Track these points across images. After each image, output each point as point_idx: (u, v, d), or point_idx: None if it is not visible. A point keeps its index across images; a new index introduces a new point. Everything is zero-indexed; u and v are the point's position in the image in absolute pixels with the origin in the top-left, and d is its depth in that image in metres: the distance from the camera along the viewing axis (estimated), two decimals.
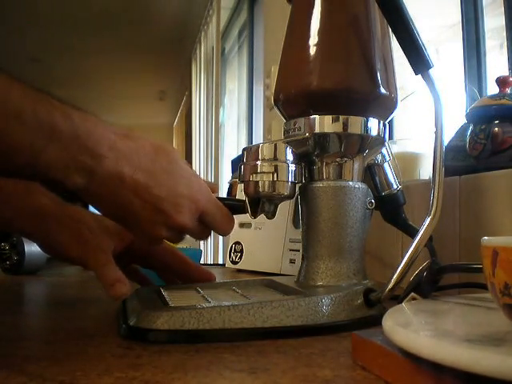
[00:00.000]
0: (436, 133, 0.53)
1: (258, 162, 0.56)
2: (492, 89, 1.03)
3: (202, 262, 0.84)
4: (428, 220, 0.52)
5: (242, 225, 1.12)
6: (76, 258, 0.59)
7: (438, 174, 0.53)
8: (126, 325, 0.47)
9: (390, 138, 1.07)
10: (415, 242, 0.52)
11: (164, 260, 0.67)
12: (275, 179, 0.55)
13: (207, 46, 4.14)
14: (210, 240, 3.58)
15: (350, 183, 0.57)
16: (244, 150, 0.58)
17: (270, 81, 2.24)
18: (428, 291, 0.46)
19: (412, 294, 0.45)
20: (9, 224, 0.63)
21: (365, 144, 0.58)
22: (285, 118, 0.61)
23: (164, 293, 0.56)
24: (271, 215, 0.58)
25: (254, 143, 0.68)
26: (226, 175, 3.46)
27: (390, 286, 0.51)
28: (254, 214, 0.58)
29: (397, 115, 0.62)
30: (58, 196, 0.61)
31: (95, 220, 0.61)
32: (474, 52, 1.17)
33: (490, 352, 0.27)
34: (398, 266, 0.51)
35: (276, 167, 0.55)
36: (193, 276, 0.67)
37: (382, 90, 0.57)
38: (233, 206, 0.58)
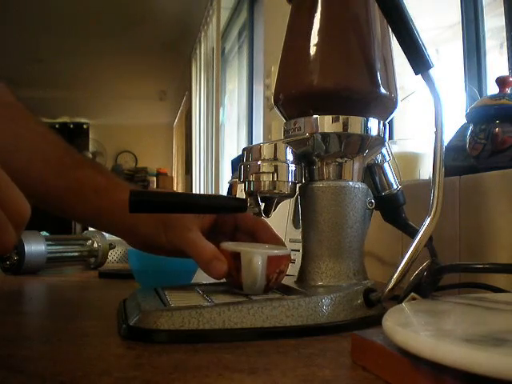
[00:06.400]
0: (436, 133, 0.53)
1: (258, 162, 0.56)
2: (492, 89, 1.03)
3: None
4: (428, 220, 0.52)
5: None
6: (166, 244, 0.58)
7: (438, 174, 0.53)
8: (126, 325, 0.47)
9: (390, 138, 1.07)
10: (415, 242, 0.52)
11: (251, 230, 0.63)
12: (275, 179, 0.55)
13: (207, 46, 4.14)
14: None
15: (350, 183, 0.57)
16: (244, 149, 0.58)
17: (270, 81, 2.24)
18: (428, 291, 0.46)
19: (412, 293, 0.45)
20: (94, 220, 0.64)
21: (365, 144, 0.58)
22: (285, 118, 0.61)
23: (164, 293, 0.56)
24: (269, 213, 0.58)
25: (254, 143, 0.68)
26: (226, 175, 3.46)
27: (390, 286, 0.51)
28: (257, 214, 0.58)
29: (397, 115, 0.62)
30: None
31: None
32: (474, 52, 1.18)
33: (490, 352, 0.27)
34: (398, 266, 0.51)
35: (276, 167, 0.55)
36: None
37: (382, 90, 0.57)
38: (233, 205, 0.58)
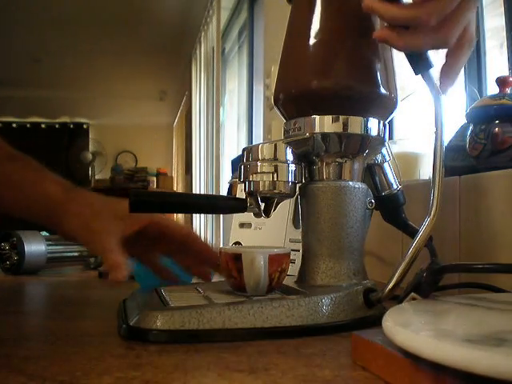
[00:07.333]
0: (436, 133, 0.53)
1: (258, 162, 0.56)
2: (492, 89, 1.03)
3: None
4: (428, 220, 0.52)
5: (241, 225, 1.12)
6: (85, 243, 0.60)
7: (438, 174, 0.53)
8: (126, 325, 0.47)
9: (390, 138, 1.07)
10: (415, 242, 0.52)
11: (180, 241, 0.64)
12: (275, 179, 0.55)
13: (207, 46, 4.14)
14: (211, 240, 3.59)
15: (350, 183, 0.57)
16: (244, 149, 0.58)
17: (270, 81, 2.23)
18: (428, 291, 0.46)
19: (412, 293, 0.45)
20: (24, 212, 0.64)
21: (365, 144, 0.58)
22: (285, 118, 0.61)
23: (164, 293, 0.56)
24: (269, 213, 0.58)
25: (254, 143, 0.68)
26: (225, 175, 3.46)
27: (389, 286, 0.51)
28: (256, 214, 0.58)
29: (397, 115, 0.62)
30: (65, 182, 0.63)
31: (104, 204, 0.61)
32: (474, 52, 1.17)
33: (490, 352, 0.27)
34: (398, 266, 0.51)
35: (276, 167, 0.55)
36: (209, 258, 0.64)
37: (382, 90, 0.57)
38: (233, 205, 0.58)
